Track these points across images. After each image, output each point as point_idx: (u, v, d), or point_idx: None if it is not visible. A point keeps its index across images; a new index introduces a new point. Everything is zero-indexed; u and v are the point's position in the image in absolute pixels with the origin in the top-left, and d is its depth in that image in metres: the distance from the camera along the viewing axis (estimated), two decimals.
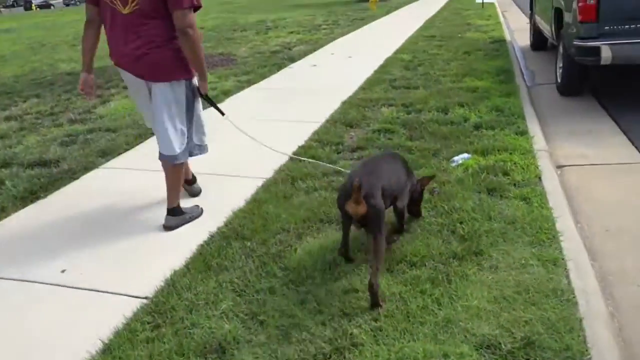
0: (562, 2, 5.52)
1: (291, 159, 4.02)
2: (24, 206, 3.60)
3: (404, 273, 2.49)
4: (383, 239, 2.36)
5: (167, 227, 3.13)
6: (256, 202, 3.32)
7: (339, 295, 2.34)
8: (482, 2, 16.03)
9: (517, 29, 11.26)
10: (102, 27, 3.00)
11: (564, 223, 2.92)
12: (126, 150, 4.59)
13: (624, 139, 4.39)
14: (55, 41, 14.76)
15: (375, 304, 2.25)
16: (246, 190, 3.50)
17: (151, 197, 3.55)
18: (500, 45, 8.77)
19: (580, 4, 4.80)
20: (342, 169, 3.69)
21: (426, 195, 3.19)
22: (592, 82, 5.70)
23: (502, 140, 4.15)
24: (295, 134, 4.57)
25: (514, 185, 3.38)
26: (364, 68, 7.44)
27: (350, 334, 2.10)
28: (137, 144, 4.72)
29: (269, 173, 3.78)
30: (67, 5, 53.66)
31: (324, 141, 4.37)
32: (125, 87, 7.18)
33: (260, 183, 3.63)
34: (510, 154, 3.87)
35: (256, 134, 4.61)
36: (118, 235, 3.10)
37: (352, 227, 2.54)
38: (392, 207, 2.69)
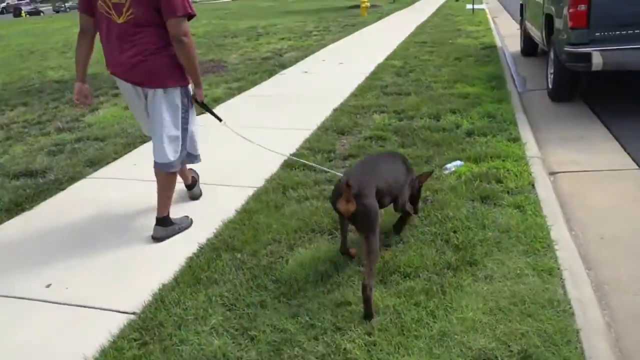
0: (553, 8, 5.53)
1: (282, 167, 3.97)
2: (9, 218, 3.52)
3: (398, 284, 2.45)
4: (376, 239, 2.32)
5: (156, 239, 3.07)
6: (247, 212, 3.26)
7: (331, 309, 2.29)
8: (473, 8, 16.14)
9: (507, 34, 11.32)
10: (97, 37, 3.01)
11: (559, 231, 2.90)
12: (115, 159, 4.51)
13: (616, 145, 4.39)
14: (45, 48, 14.64)
15: (368, 311, 2.21)
16: (236, 200, 3.44)
17: (140, 208, 3.48)
18: (491, 51, 8.80)
19: (571, 10, 4.81)
20: (338, 173, 3.64)
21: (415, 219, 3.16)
22: (583, 88, 5.70)
23: (495, 147, 4.13)
24: (287, 142, 4.52)
25: (508, 192, 3.35)
26: (355, 74, 7.42)
27: (344, 349, 2.05)
28: (126, 153, 4.65)
29: (259, 182, 3.73)
30: (57, 12, 53.47)
31: (316, 149, 4.33)
32: (114, 95, 7.13)
33: (250, 192, 3.57)
34: (503, 161, 3.84)
35: (246, 141, 4.59)
36: (105, 248, 3.03)
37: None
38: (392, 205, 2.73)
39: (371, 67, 7.90)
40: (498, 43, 9.91)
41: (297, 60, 9.30)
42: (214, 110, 3.50)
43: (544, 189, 3.42)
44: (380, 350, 2.04)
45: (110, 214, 3.47)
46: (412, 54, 9.06)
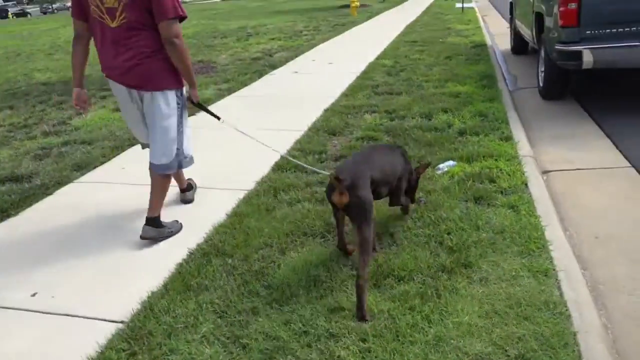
0: (543, 7, 5.53)
1: (273, 169, 3.92)
2: None
3: (392, 288, 2.40)
4: (369, 230, 2.34)
5: (145, 238, 3.02)
6: (237, 215, 3.21)
7: (325, 315, 2.24)
8: (462, 7, 16.16)
9: (497, 33, 11.33)
10: (92, 41, 3.00)
11: (553, 231, 2.87)
12: (102, 163, 4.43)
13: (608, 143, 4.38)
14: (31, 50, 14.45)
15: (360, 303, 2.21)
16: (227, 203, 3.39)
17: (128, 213, 3.42)
18: (481, 50, 8.80)
19: (561, 9, 4.79)
20: (323, 171, 3.61)
21: (412, 205, 3.14)
22: (574, 86, 5.70)
23: (487, 147, 4.10)
24: (278, 143, 4.42)
25: (501, 192, 3.32)
26: (346, 74, 7.38)
27: (338, 357, 2.00)
28: (114, 157, 4.58)
29: (250, 184, 3.67)
30: (44, 13, 52.98)
31: (307, 150, 4.28)
32: (102, 97, 7.04)
33: (241, 195, 3.52)
34: (496, 160, 3.82)
35: (238, 144, 4.53)
36: (93, 254, 2.96)
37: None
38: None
39: (362, 67, 7.86)
40: (488, 41, 9.92)
41: (287, 60, 9.24)
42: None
43: (537, 189, 3.39)
44: (375, 357, 1.99)
45: (97, 219, 3.40)
46: (402, 53, 9.04)
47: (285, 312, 2.28)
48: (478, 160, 3.82)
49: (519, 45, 8.38)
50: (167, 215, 3.18)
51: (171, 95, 2.99)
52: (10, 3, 56.41)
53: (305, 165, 3.58)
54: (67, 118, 6.12)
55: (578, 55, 4.77)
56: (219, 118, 3.37)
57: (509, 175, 3.55)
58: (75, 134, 5.40)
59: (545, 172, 3.88)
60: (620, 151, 4.17)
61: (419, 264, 2.55)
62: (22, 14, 51.27)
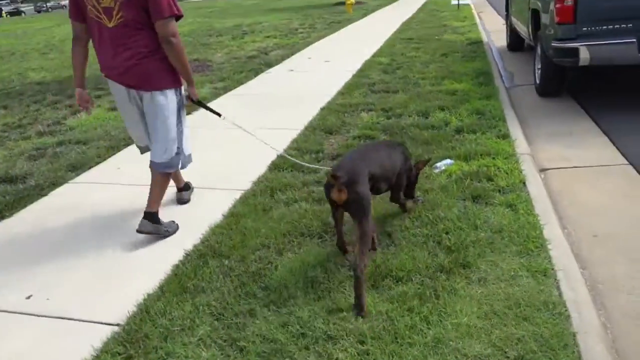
0: (539, 4, 5.51)
1: (270, 169, 3.89)
2: None
3: (390, 289, 2.39)
4: (368, 223, 2.39)
5: (141, 232, 3.00)
6: (234, 216, 3.18)
7: (322, 316, 2.22)
8: (458, 4, 16.13)
9: (493, 29, 11.31)
10: (91, 42, 3.03)
11: (551, 230, 2.86)
12: (97, 163, 4.40)
13: (605, 140, 4.37)
14: (25, 49, 14.36)
15: (358, 292, 2.24)
16: (223, 204, 3.36)
17: (123, 214, 3.39)
18: (477, 47, 8.78)
19: (557, 6, 4.78)
20: (323, 167, 3.65)
21: (410, 203, 3.13)
22: (570, 83, 5.69)
23: (485, 145, 4.09)
24: (274, 143, 4.41)
25: (499, 191, 3.30)
26: (342, 72, 7.35)
27: (336, 359, 1.98)
28: (109, 157, 4.54)
29: (246, 184, 3.65)
30: (39, 11, 52.66)
31: (304, 149, 4.25)
32: (97, 97, 6.99)
33: (238, 195, 3.49)
34: (493, 158, 3.80)
35: (234, 143, 4.52)
36: (88, 256, 2.93)
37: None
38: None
39: (358, 65, 7.84)
40: (484, 38, 9.90)
41: (283, 58, 9.20)
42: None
43: (535, 187, 3.38)
44: (374, 359, 1.97)
45: (93, 220, 3.36)
46: (398, 50, 9.01)
47: (283, 314, 2.26)
48: (475, 159, 3.81)
49: (515, 42, 8.36)
50: (163, 215, 3.15)
51: (170, 94, 3.01)
52: (4, 2, 56.01)
53: (303, 163, 3.58)
54: (62, 118, 6.08)
55: (575, 52, 4.76)
56: (219, 115, 3.41)
57: (507, 173, 3.53)
58: (70, 134, 5.36)
59: (542, 170, 3.87)
60: (617, 148, 4.16)
61: (417, 265, 2.53)
62: (16, 12, 50.91)
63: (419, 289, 2.36)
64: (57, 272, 2.80)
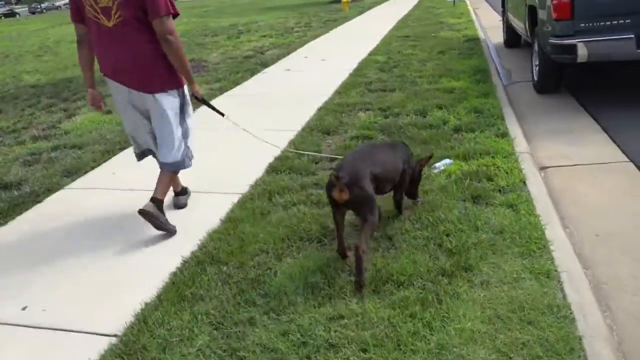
0: (536, 0, 5.47)
1: (267, 172, 3.85)
2: None
3: (392, 294, 2.35)
4: (374, 217, 2.49)
5: (142, 211, 2.98)
6: (232, 221, 3.14)
7: (323, 324, 2.18)
8: (454, 0, 16.08)
9: (489, 26, 11.27)
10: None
11: (553, 230, 2.82)
12: (93, 168, 4.35)
13: (605, 137, 4.34)
14: (20, 51, 14.29)
15: (359, 275, 2.35)
16: (221, 208, 3.32)
17: (119, 220, 3.34)
18: (474, 44, 8.74)
19: (554, 2, 4.74)
20: (335, 156, 3.72)
21: (409, 203, 3.12)
22: (568, 79, 5.66)
23: (483, 143, 4.05)
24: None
25: (499, 191, 3.27)
26: (339, 71, 7.31)
27: None
28: (105, 161, 4.49)
29: (244, 188, 3.60)
30: (33, 13, 52.44)
31: (301, 150, 4.20)
32: None
33: (235, 199, 3.45)
34: (493, 157, 3.76)
35: (230, 145, 4.48)
36: (84, 264, 2.88)
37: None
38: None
39: (354, 63, 7.79)
40: (481, 35, 9.86)
41: (279, 58, 9.16)
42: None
43: (536, 186, 3.34)
44: None
45: (88, 227, 3.32)
46: (395, 48, 8.97)
47: (283, 322, 2.22)
48: (475, 158, 3.77)
49: (512, 39, 8.33)
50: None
51: (173, 94, 3.05)
52: None
53: (314, 153, 3.54)
54: (57, 121, 6.03)
55: (573, 48, 4.72)
56: (222, 114, 3.44)
57: (507, 172, 3.50)
58: (65, 138, 5.31)
59: (542, 169, 3.84)
60: (617, 145, 4.12)
61: (418, 268, 2.49)
62: (11, 14, 50.73)
63: (420, 293, 2.32)
64: (53, 281, 2.75)
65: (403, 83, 6.33)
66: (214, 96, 6.60)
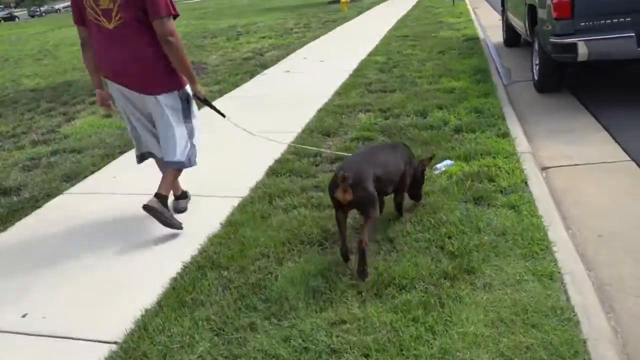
0: None
1: (267, 174, 3.83)
2: None
3: (394, 298, 2.33)
4: (376, 214, 2.57)
5: (146, 206, 2.97)
6: (232, 224, 3.12)
7: (325, 329, 2.16)
8: (453, 0, 16.06)
9: (489, 25, 11.25)
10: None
11: (556, 231, 2.80)
12: (92, 172, 4.33)
13: (606, 136, 4.32)
14: (19, 55, 14.28)
15: (361, 266, 2.42)
16: (221, 212, 3.30)
17: (120, 225, 3.32)
18: (474, 43, 8.72)
19: (554, 1, 4.72)
20: (346, 153, 3.73)
21: (410, 204, 3.10)
22: (569, 78, 5.63)
23: (484, 144, 4.03)
24: (271, 147, 4.37)
25: (501, 192, 3.25)
26: (338, 72, 7.29)
27: None
28: (104, 165, 4.47)
29: (244, 191, 3.59)
30: (32, 16, 52.49)
31: (301, 153, 4.19)
32: (91, 103, 6.92)
33: (235, 202, 3.43)
34: (494, 158, 3.74)
35: (231, 148, 4.46)
36: (84, 270, 2.87)
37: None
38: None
39: (354, 64, 7.77)
40: (480, 34, 9.84)
41: (278, 59, 9.14)
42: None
43: (538, 187, 3.32)
44: None
45: (88, 232, 3.30)
46: (394, 48, 8.95)
47: (285, 327, 2.20)
48: (476, 159, 3.75)
49: (512, 38, 8.31)
50: (159, 226, 3.09)
51: (175, 95, 3.05)
52: None
53: (322, 149, 3.53)
54: (56, 125, 6.01)
55: (573, 47, 4.70)
56: (224, 115, 3.48)
57: (508, 173, 3.48)
58: (65, 142, 5.29)
59: (544, 169, 3.82)
60: (618, 144, 4.10)
61: (420, 271, 2.47)
62: (10, 18, 50.76)
63: (423, 297, 2.31)
64: (53, 288, 2.74)
65: (403, 83, 6.31)
66: (214, 98, 6.57)
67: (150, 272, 2.78)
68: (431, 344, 2.03)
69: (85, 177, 4.25)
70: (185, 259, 2.79)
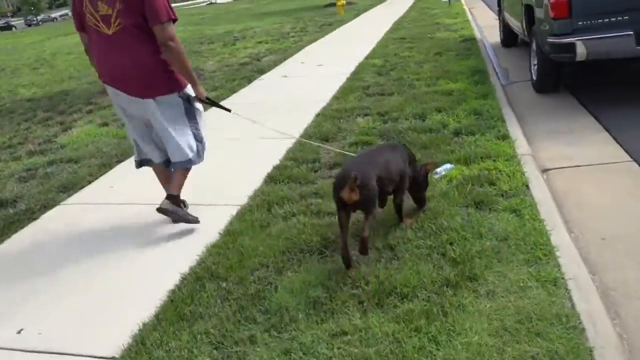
0: None
1: (266, 181, 3.80)
2: None
3: (396, 307, 2.29)
4: (375, 210, 2.64)
5: (161, 209, 3.03)
6: (230, 234, 3.08)
7: (326, 341, 2.12)
8: (449, 0, 16.05)
9: (485, 25, 11.24)
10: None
11: (558, 235, 2.76)
12: (89, 182, 4.28)
13: (607, 136, 4.28)
14: (16, 65, 14.23)
15: (363, 249, 2.55)
16: (219, 221, 3.26)
17: (117, 236, 3.28)
18: (471, 44, 8.69)
19: (551, 0, 4.69)
20: (351, 153, 3.76)
21: (410, 209, 3.05)
22: (567, 78, 5.60)
23: (484, 147, 3.99)
24: (269, 153, 4.35)
25: (502, 196, 3.21)
26: (336, 76, 7.26)
27: None
28: (102, 175, 4.43)
29: (242, 199, 3.55)
30: (29, 25, 52.46)
31: (300, 159, 4.15)
32: (88, 112, 6.89)
33: (234, 211, 3.39)
34: (494, 160, 3.71)
35: (228, 155, 4.43)
36: (80, 283, 2.83)
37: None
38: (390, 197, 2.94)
39: (351, 67, 7.74)
40: (477, 35, 9.81)
41: (275, 64, 9.11)
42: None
43: (539, 190, 3.29)
44: None
45: (84, 244, 3.25)
46: (391, 51, 8.92)
47: (285, 340, 2.16)
48: (476, 162, 3.71)
49: (509, 38, 8.28)
50: (158, 235, 3.05)
51: (175, 96, 3.06)
52: None
53: (329, 147, 3.50)
54: (53, 135, 5.97)
55: (571, 47, 4.67)
56: (229, 110, 3.54)
57: (509, 176, 3.44)
58: (61, 152, 5.25)
59: (545, 171, 3.78)
60: (619, 144, 4.07)
61: (422, 279, 2.43)
62: (7, 27, 50.67)
63: (425, 306, 2.27)
64: (49, 302, 2.69)
65: (401, 86, 6.27)
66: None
67: (149, 284, 2.73)
68: (434, 355, 1.99)
69: (82, 187, 4.20)
70: (183, 270, 2.75)
